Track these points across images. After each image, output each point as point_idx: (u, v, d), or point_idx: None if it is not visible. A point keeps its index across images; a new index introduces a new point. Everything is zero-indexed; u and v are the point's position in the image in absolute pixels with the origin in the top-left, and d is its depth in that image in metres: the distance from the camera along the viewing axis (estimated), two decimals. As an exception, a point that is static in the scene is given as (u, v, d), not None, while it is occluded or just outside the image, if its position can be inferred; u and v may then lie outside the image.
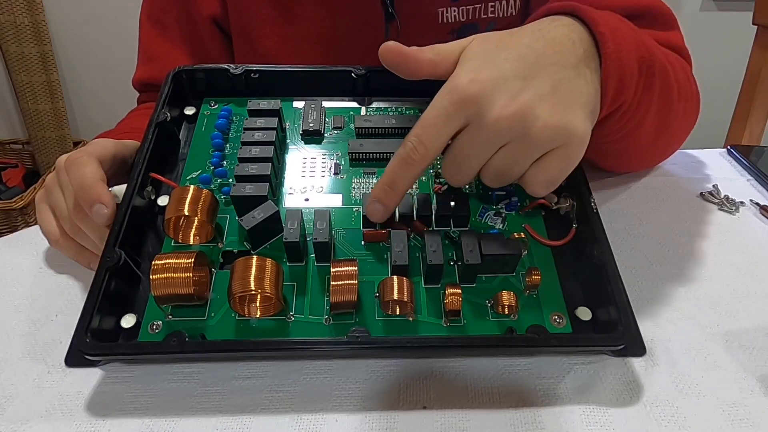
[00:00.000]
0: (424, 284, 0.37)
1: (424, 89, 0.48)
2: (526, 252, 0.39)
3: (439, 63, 0.36)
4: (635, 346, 0.36)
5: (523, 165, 0.34)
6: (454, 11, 0.59)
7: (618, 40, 0.37)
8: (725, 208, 0.49)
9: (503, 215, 0.41)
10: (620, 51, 0.36)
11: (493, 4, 0.59)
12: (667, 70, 0.42)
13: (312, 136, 0.46)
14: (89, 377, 0.35)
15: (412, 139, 0.34)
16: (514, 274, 0.38)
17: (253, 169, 0.40)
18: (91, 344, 0.32)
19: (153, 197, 0.41)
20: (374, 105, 0.49)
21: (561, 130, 0.33)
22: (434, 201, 0.40)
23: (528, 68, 0.34)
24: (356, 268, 0.34)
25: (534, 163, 0.34)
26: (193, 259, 0.34)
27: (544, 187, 0.35)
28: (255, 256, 0.34)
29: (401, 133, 0.45)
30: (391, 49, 0.37)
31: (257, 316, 0.35)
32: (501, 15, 0.60)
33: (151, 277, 0.33)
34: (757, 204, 0.50)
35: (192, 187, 0.38)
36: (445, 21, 0.59)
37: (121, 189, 0.39)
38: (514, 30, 0.37)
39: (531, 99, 0.33)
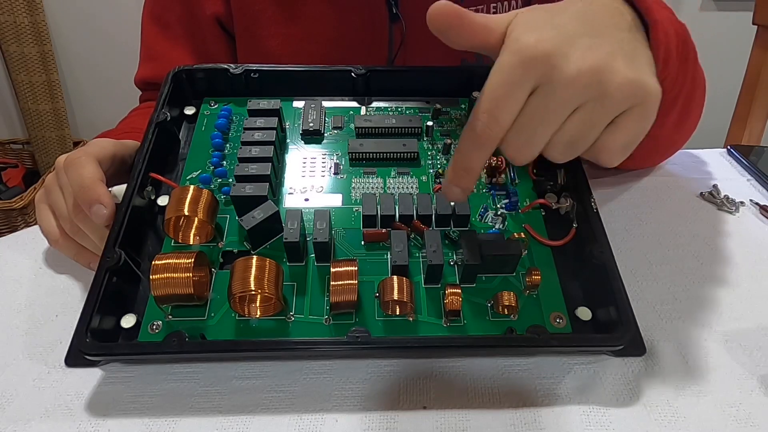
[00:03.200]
0: (424, 284, 0.37)
1: (424, 89, 0.49)
2: (526, 252, 0.39)
3: (492, 30, 0.33)
4: (635, 346, 0.36)
5: (598, 129, 0.32)
6: None
7: (659, 10, 0.36)
8: (725, 208, 0.49)
9: (503, 215, 0.41)
10: (663, 22, 0.35)
11: (495, 5, 0.59)
12: (694, 48, 0.42)
13: (312, 136, 0.46)
14: (89, 377, 0.35)
15: (481, 115, 0.31)
16: (514, 274, 0.38)
17: (253, 169, 0.40)
18: (91, 344, 0.32)
19: (153, 197, 0.41)
20: (374, 105, 0.49)
21: (639, 86, 0.31)
22: (434, 201, 0.40)
23: (590, 28, 0.32)
24: (356, 268, 0.34)
25: (608, 128, 0.32)
26: (193, 259, 0.34)
27: (621, 152, 0.33)
28: (255, 256, 0.34)
29: (401, 132, 0.45)
30: (443, 9, 0.32)
31: (257, 316, 0.35)
32: None
33: (151, 277, 0.33)
34: (757, 204, 0.50)
35: (192, 187, 0.38)
36: None
37: (120, 189, 0.39)
38: (559, 2, 0.35)
39: (604, 54, 0.30)
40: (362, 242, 0.39)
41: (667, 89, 0.39)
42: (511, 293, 0.35)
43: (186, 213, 0.36)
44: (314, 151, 0.45)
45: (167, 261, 0.34)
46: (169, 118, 0.43)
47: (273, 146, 0.42)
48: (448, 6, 0.33)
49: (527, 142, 0.32)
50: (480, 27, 0.33)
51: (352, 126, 0.47)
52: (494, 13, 0.60)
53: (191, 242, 0.38)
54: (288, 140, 0.46)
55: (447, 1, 0.33)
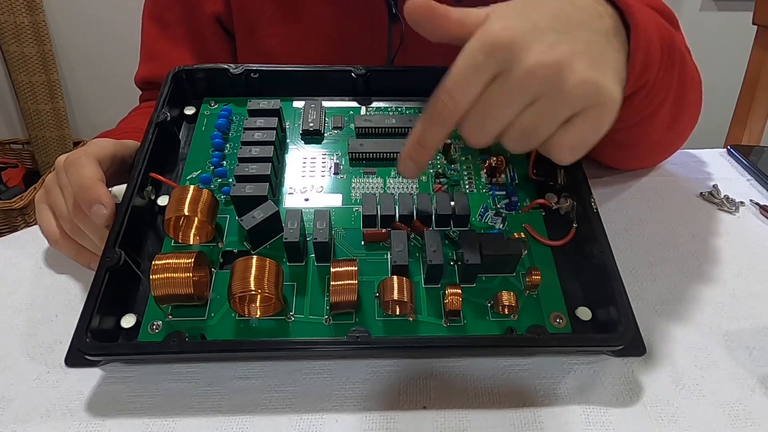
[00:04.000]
0: (424, 284, 0.37)
1: (424, 89, 0.49)
2: (526, 252, 0.39)
3: (466, 24, 0.34)
4: (635, 346, 0.36)
5: (551, 125, 0.32)
6: None
7: (643, 14, 0.36)
8: (725, 208, 0.49)
9: (503, 215, 0.41)
10: (646, 27, 0.36)
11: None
12: (683, 53, 0.42)
13: (312, 136, 0.46)
14: (89, 377, 0.35)
15: (440, 93, 0.32)
16: (514, 274, 0.38)
17: (253, 169, 0.40)
18: (91, 344, 0.32)
19: (153, 197, 0.41)
20: (374, 105, 0.49)
21: (596, 87, 0.31)
22: (434, 201, 0.40)
23: (561, 25, 0.32)
24: (356, 268, 0.34)
25: (562, 125, 0.32)
26: (193, 259, 0.34)
27: (570, 152, 0.33)
28: (255, 256, 0.34)
29: (401, 132, 0.45)
30: (418, 4, 0.34)
31: (257, 316, 0.35)
32: None
33: (151, 277, 0.33)
34: (757, 204, 0.50)
35: (192, 187, 0.38)
36: None
37: (120, 189, 0.39)
38: None
39: (568, 52, 0.31)
40: (362, 242, 0.39)
41: (651, 93, 0.40)
42: (511, 293, 0.35)
43: (186, 213, 0.36)
44: (314, 151, 0.45)
45: (167, 261, 0.34)
46: (169, 118, 0.43)
47: (273, 146, 0.42)
48: (421, 2, 0.34)
49: (480, 127, 0.33)
50: (454, 21, 0.34)
51: (352, 126, 0.47)
52: None
53: (191, 242, 0.38)
54: (288, 140, 0.46)
55: None
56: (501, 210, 0.41)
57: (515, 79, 0.31)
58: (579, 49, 0.32)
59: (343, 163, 0.44)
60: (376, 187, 0.43)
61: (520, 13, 0.33)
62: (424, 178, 0.43)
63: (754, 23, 0.86)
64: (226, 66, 0.47)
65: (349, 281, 0.34)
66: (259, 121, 0.43)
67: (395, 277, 0.35)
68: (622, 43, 0.35)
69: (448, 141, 0.44)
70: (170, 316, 0.35)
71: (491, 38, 0.31)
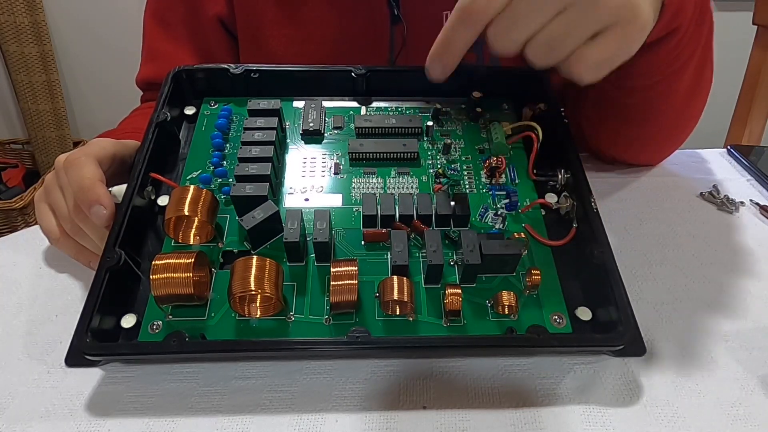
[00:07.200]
0: (424, 284, 0.37)
1: (424, 89, 0.49)
2: (526, 252, 0.39)
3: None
4: (635, 346, 0.36)
5: (578, 37, 0.32)
6: None
7: None
8: (725, 208, 0.49)
9: (503, 215, 0.41)
10: None
11: None
12: (711, 22, 0.41)
13: (312, 136, 0.46)
14: (89, 377, 0.35)
15: None
16: (514, 274, 0.38)
17: (253, 169, 0.40)
18: (91, 344, 0.32)
19: (153, 197, 0.41)
20: (374, 105, 0.49)
21: (629, 4, 0.31)
22: (434, 201, 0.40)
23: None
24: (356, 268, 0.34)
25: (589, 39, 0.32)
26: (193, 259, 0.34)
27: (595, 69, 0.33)
28: (255, 256, 0.34)
29: (401, 132, 0.45)
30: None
31: (257, 316, 0.35)
32: None
33: (151, 277, 0.33)
34: (757, 204, 0.50)
35: (192, 187, 0.38)
36: None
37: (120, 189, 0.39)
38: None
39: None
40: (362, 242, 0.39)
41: (682, 42, 0.39)
42: (511, 293, 0.35)
43: (186, 213, 0.36)
44: (314, 151, 0.45)
45: (167, 261, 0.34)
46: (169, 118, 0.43)
47: (273, 146, 0.42)
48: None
49: (507, 31, 0.33)
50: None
51: (352, 126, 0.47)
52: None
53: (191, 242, 0.38)
54: (288, 140, 0.46)
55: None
56: (501, 210, 0.41)
57: None
58: None
59: (343, 163, 0.44)
60: (376, 187, 0.43)
61: None
62: (424, 177, 0.43)
63: (754, 23, 0.86)
64: (226, 66, 0.47)
65: (349, 281, 0.34)
66: (259, 121, 0.43)
67: (395, 277, 0.35)
68: None
69: (448, 141, 0.44)
70: (170, 316, 0.35)
71: None
